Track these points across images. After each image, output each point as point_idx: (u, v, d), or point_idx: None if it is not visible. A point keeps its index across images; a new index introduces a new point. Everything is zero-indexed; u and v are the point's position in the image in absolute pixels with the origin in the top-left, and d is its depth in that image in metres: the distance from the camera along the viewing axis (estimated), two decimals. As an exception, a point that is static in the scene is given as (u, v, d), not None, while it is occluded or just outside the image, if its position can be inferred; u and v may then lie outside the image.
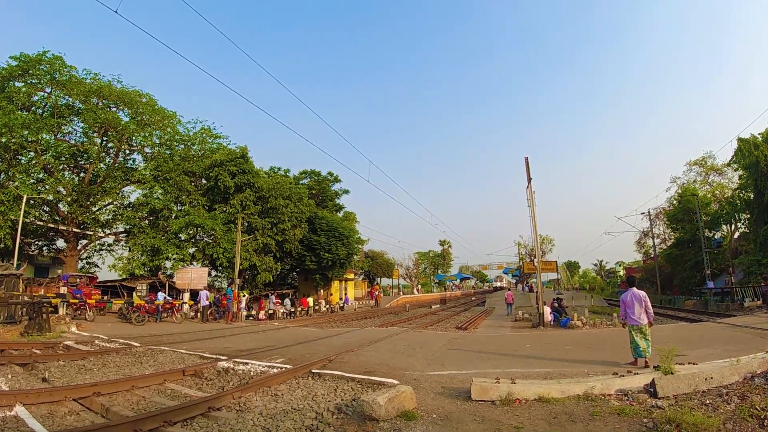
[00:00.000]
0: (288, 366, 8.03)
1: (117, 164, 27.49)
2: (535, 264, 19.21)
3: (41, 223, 24.66)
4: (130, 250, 25.80)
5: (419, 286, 73.58)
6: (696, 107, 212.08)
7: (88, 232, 26.48)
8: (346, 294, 41.37)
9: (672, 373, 5.69)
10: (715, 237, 37.91)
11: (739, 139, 29.23)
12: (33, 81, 23.75)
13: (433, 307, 41.19)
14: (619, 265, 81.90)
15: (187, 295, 23.72)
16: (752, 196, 28.91)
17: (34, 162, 23.34)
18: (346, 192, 43.77)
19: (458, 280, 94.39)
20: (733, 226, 35.61)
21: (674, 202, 40.73)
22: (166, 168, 26.68)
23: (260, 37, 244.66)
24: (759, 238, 26.73)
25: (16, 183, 21.80)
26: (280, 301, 27.78)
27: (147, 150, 28.22)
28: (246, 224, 27.44)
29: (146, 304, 19.54)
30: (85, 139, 25.99)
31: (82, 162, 26.37)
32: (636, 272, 58.74)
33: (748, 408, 4.56)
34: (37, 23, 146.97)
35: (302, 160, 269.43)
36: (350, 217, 43.28)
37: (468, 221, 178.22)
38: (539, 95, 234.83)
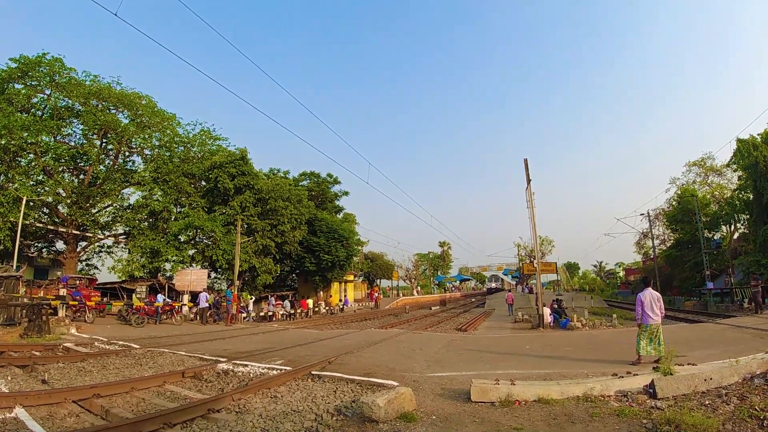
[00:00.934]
0: (287, 368, 8.02)
1: (116, 166, 27.51)
2: (535, 265, 19.21)
3: (41, 225, 24.64)
4: (129, 252, 25.79)
5: (419, 288, 73.56)
6: (696, 108, 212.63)
7: (87, 234, 26.48)
8: (345, 296, 41.32)
9: (671, 374, 5.70)
10: (715, 238, 37.91)
11: (738, 140, 29.26)
12: (33, 83, 23.76)
13: (433, 308, 41.16)
14: (619, 267, 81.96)
15: (186, 297, 23.70)
16: (751, 196, 28.91)
17: (33, 164, 23.34)
18: (346, 194, 43.73)
19: (458, 282, 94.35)
20: (732, 227, 35.63)
21: (673, 203, 40.77)
22: (166, 170, 26.70)
23: (260, 39, 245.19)
24: (758, 239, 26.73)
25: (16, 185, 21.78)
26: (281, 302, 27.78)
27: (146, 152, 28.25)
28: (245, 226, 27.44)
29: (146, 306, 19.52)
30: (84, 141, 26.02)
31: (82, 164, 26.39)
32: (636, 273, 58.85)
33: (748, 409, 4.56)
34: (36, 25, 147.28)
35: (302, 161, 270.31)
36: (350, 219, 43.26)
37: (468, 222, 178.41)
38: (539, 97, 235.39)
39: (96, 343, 11.71)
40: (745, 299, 23.20)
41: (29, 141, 22.05)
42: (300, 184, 39.25)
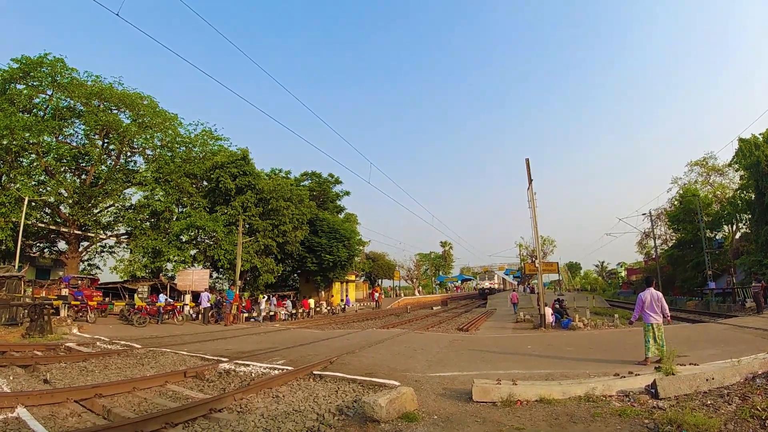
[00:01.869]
0: (289, 367, 8.03)
1: (118, 166, 27.53)
2: (537, 265, 19.19)
3: (43, 225, 24.68)
4: (131, 252, 25.82)
5: (420, 288, 73.52)
6: (698, 108, 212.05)
7: (89, 234, 26.51)
8: (347, 295, 41.32)
9: (673, 374, 5.69)
10: (717, 237, 37.80)
11: (740, 140, 29.19)
12: (34, 83, 23.81)
13: (435, 308, 41.16)
14: (621, 266, 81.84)
15: (188, 297, 23.73)
16: (753, 196, 28.84)
17: (35, 164, 23.38)
18: (347, 194, 43.68)
19: (459, 282, 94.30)
20: (734, 227, 35.54)
21: (675, 202, 40.67)
22: (168, 170, 26.72)
23: (261, 39, 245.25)
24: (760, 239, 26.65)
25: (18, 185, 21.83)
26: (283, 302, 27.81)
27: (148, 152, 28.28)
28: (247, 226, 27.46)
29: (147, 306, 19.57)
30: (86, 142, 26.05)
31: (84, 164, 26.42)
32: (638, 273, 58.74)
33: (750, 408, 4.55)
34: (38, 26, 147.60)
35: (303, 161, 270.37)
36: (351, 219, 43.23)
37: (469, 222, 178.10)
38: (540, 98, 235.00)
39: (98, 343, 11.74)
40: (747, 299, 23.14)
41: (31, 141, 22.09)
42: (301, 184, 39.23)
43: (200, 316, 21.55)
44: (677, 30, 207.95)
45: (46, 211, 25.46)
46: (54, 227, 25.14)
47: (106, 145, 26.34)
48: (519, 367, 7.85)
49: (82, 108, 25.05)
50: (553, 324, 16.58)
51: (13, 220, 20.90)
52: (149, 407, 5.63)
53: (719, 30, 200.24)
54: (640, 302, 7.93)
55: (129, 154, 28.43)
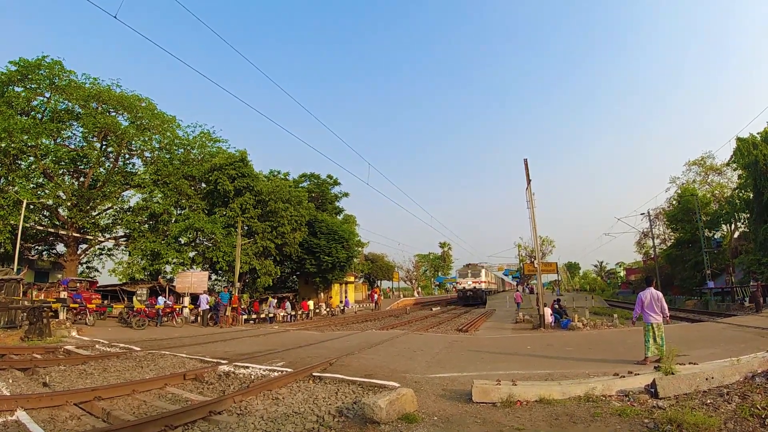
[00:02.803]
0: (289, 369, 8.02)
1: (117, 168, 27.49)
2: (536, 265, 19.22)
3: (41, 228, 24.62)
4: (130, 255, 25.77)
5: (419, 289, 73.54)
6: (696, 108, 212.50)
7: (88, 237, 26.46)
8: (346, 297, 41.33)
9: (673, 373, 5.71)
10: (715, 237, 37.95)
11: (738, 139, 29.32)
12: (32, 86, 23.75)
13: (434, 309, 41.15)
14: (620, 266, 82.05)
15: (187, 299, 23.69)
16: (751, 195, 28.95)
17: (33, 167, 23.33)
18: (346, 195, 43.68)
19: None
20: (732, 226, 35.66)
21: (674, 202, 40.82)
22: (166, 172, 26.70)
23: (259, 40, 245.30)
24: (759, 238, 26.74)
25: (16, 188, 21.78)
26: (284, 304, 27.81)
27: (147, 154, 28.23)
28: (246, 228, 27.45)
29: (146, 309, 19.51)
30: (84, 144, 25.99)
31: (82, 166, 26.39)
32: (636, 273, 58.88)
33: (749, 407, 4.56)
34: (36, 28, 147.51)
35: (302, 163, 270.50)
36: (350, 220, 43.23)
37: (468, 223, 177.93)
38: (539, 98, 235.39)
39: (97, 346, 11.71)
40: (746, 298, 23.21)
41: (29, 144, 22.05)
42: (300, 185, 39.23)
43: (199, 318, 21.52)
44: (677, 30, 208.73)
45: (45, 213, 25.41)
46: (52, 230, 25.08)
47: (104, 147, 26.30)
48: (519, 368, 7.85)
49: (80, 110, 25.00)
50: (553, 324, 16.61)
51: (12, 222, 20.85)
52: (149, 410, 5.62)
53: (719, 30, 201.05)
54: (640, 302, 7.96)
55: (127, 156, 28.38)
